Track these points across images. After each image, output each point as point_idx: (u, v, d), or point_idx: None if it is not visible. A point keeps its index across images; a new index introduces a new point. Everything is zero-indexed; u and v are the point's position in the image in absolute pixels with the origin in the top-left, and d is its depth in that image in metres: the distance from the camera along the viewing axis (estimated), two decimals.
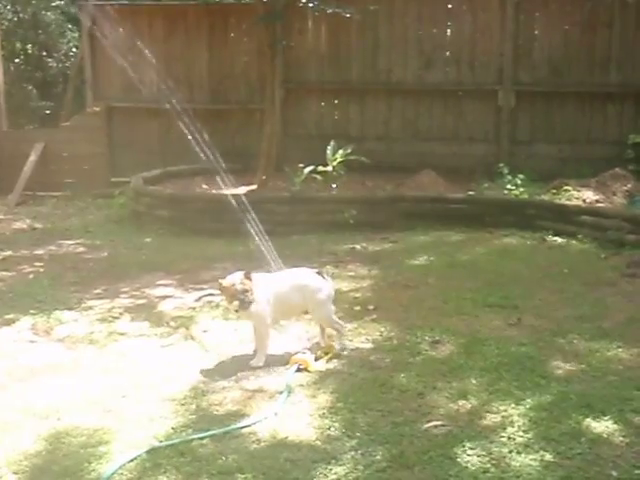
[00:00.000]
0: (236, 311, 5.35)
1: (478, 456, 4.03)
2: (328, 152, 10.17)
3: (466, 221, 9.34)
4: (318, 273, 5.60)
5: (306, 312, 5.71)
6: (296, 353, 5.38)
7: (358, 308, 6.53)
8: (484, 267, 7.81)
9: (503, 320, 6.18)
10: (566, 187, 9.86)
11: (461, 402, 4.69)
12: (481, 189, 10.37)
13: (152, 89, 12.51)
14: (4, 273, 8.13)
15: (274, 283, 5.52)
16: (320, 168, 9.98)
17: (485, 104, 11.70)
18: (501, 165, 10.81)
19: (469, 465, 3.96)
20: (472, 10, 11.63)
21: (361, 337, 5.86)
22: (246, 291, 5.24)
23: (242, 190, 10.07)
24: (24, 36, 17.56)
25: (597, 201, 9.51)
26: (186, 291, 7.24)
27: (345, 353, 5.48)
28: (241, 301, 5.24)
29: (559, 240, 8.75)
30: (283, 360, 5.36)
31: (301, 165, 10.00)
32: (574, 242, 8.63)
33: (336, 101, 12.24)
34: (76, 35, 17.12)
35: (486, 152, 11.59)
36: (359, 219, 9.35)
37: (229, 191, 9.56)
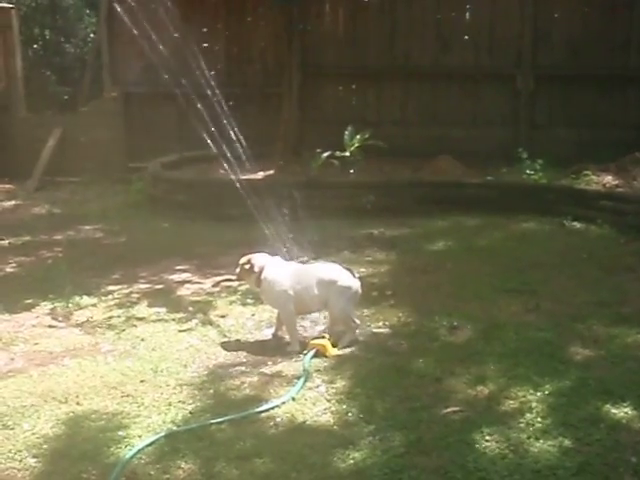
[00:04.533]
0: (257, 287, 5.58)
1: (496, 442, 4.02)
2: (345, 137, 10.13)
3: (484, 206, 9.27)
4: (348, 270, 5.59)
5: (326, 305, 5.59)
6: (314, 338, 5.39)
7: (376, 293, 6.52)
8: (502, 252, 7.77)
9: (521, 305, 6.16)
10: (585, 172, 9.78)
11: (479, 388, 4.68)
12: (499, 174, 10.29)
13: (169, 74, 12.51)
14: (23, 258, 8.17)
15: (301, 273, 5.54)
16: (338, 153, 9.94)
17: (503, 88, 11.59)
18: (520, 150, 10.70)
19: (487, 451, 3.95)
20: None
21: (379, 322, 5.86)
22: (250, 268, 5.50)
23: (260, 175, 10.06)
24: (42, 21, 17.58)
25: (617, 186, 9.43)
26: (204, 276, 7.26)
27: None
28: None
29: (578, 225, 8.68)
30: (301, 345, 5.37)
31: (318, 150, 9.97)
32: (593, 227, 8.55)
33: (353, 85, 12.18)
34: (94, 20, 17.13)
35: (505, 136, 11.48)
36: (377, 204, 9.31)
37: (246, 176, 9.55)
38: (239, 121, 12.30)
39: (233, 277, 5.89)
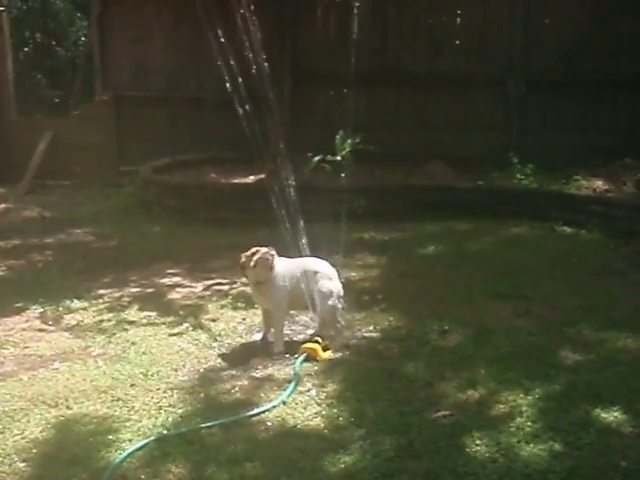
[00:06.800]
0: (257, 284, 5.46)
1: (487, 446, 4.02)
2: (337, 141, 10.13)
3: (475, 211, 9.28)
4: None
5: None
6: (305, 342, 5.39)
7: (366, 297, 6.53)
8: (493, 257, 7.79)
9: (512, 310, 6.17)
10: (576, 177, 9.81)
11: (470, 392, 4.69)
12: (490, 179, 10.31)
13: (161, 78, 12.50)
14: (14, 262, 8.15)
15: (293, 267, 5.55)
16: (329, 157, 9.95)
17: (495, 93, 11.61)
18: (511, 154, 10.72)
19: (477, 455, 3.95)
20: None
21: (369, 326, 5.86)
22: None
23: (251, 179, 10.07)
24: (33, 24, 17.54)
25: (607, 191, 9.47)
26: (195, 280, 7.25)
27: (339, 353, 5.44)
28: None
29: (568, 230, 8.71)
30: (292, 349, 5.36)
31: (310, 154, 9.97)
32: (583, 232, 8.58)
33: (345, 90, 12.17)
34: (85, 23, 17.10)
35: (496, 141, 11.48)
36: (368, 208, 9.31)
37: (237, 180, 9.56)
38: (230, 125, 12.30)
39: (241, 262, 5.47)
